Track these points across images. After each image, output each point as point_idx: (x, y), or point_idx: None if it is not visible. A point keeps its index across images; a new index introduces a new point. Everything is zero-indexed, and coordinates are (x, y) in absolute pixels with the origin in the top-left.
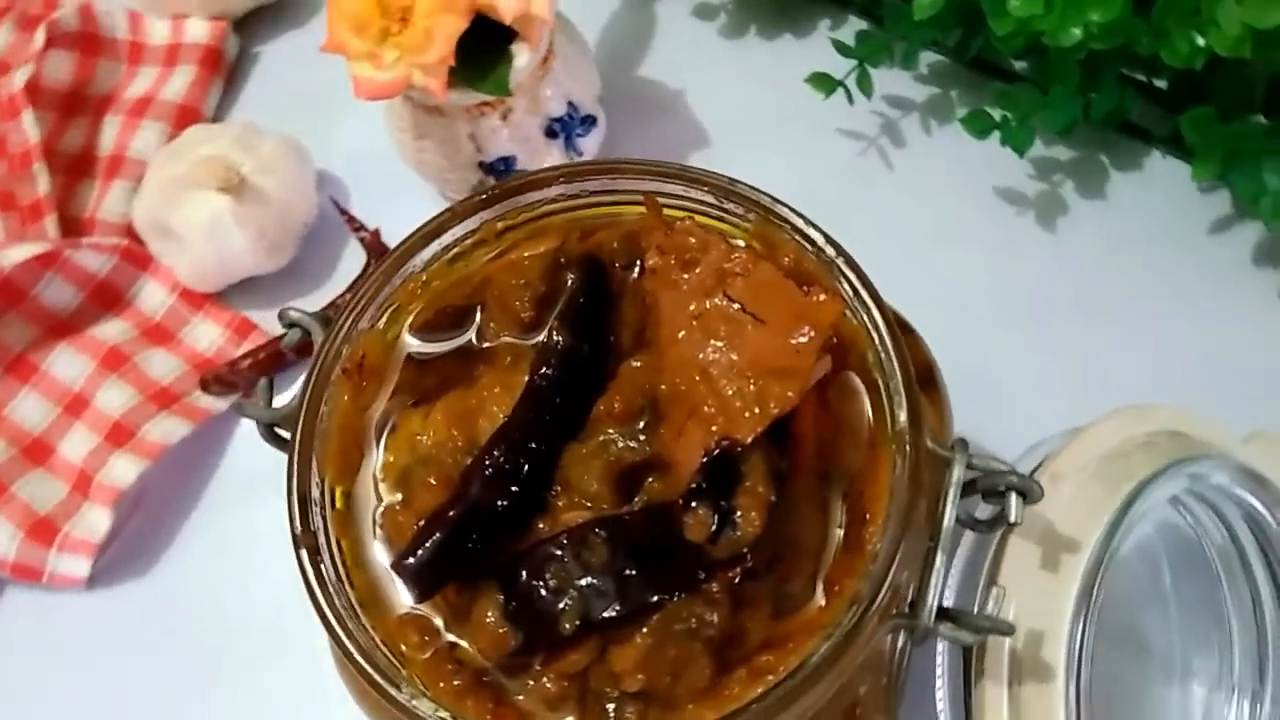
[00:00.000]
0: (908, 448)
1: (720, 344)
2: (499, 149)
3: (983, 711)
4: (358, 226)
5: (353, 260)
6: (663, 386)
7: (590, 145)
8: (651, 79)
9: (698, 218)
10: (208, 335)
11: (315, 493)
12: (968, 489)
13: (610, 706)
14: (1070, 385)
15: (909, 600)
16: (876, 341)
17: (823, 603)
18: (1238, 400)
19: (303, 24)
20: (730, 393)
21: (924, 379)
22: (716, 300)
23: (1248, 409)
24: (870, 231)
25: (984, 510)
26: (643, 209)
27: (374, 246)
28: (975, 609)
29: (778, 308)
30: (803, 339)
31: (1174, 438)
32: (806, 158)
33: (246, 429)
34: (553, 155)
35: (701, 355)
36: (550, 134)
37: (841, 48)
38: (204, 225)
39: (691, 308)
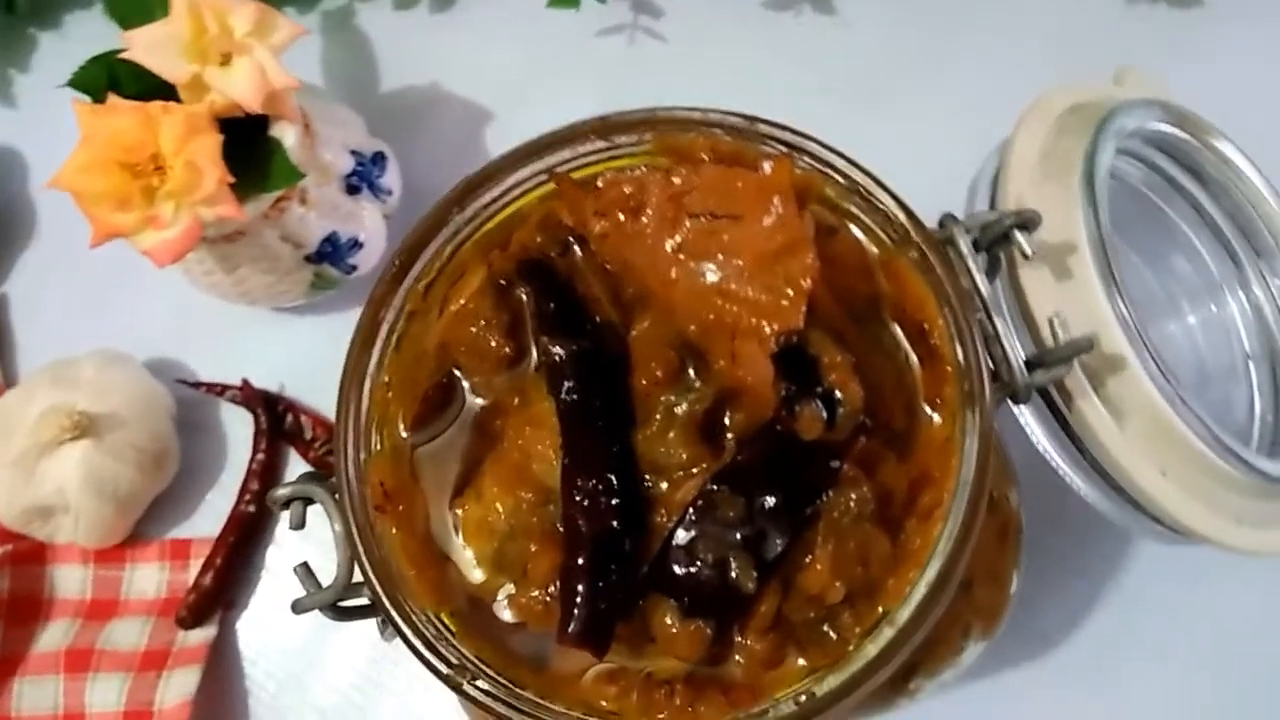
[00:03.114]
0: (922, 245)
1: (718, 258)
2: (316, 233)
3: (1089, 429)
4: (221, 390)
5: (239, 424)
6: (692, 327)
7: (393, 179)
8: (403, 86)
9: (609, 166)
10: (150, 578)
11: (429, 631)
12: None
13: (827, 627)
14: (938, 126)
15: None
16: (834, 173)
17: (937, 419)
18: (1086, 51)
19: (28, 236)
20: (758, 295)
21: None
22: (687, 224)
23: (1098, 55)
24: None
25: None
26: (536, 195)
27: (252, 398)
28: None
29: (741, 197)
30: (778, 209)
31: (1075, 112)
32: (590, 74)
33: (248, 625)
34: (367, 209)
35: (707, 279)
36: (352, 190)
37: None
38: (81, 483)
39: (668, 246)
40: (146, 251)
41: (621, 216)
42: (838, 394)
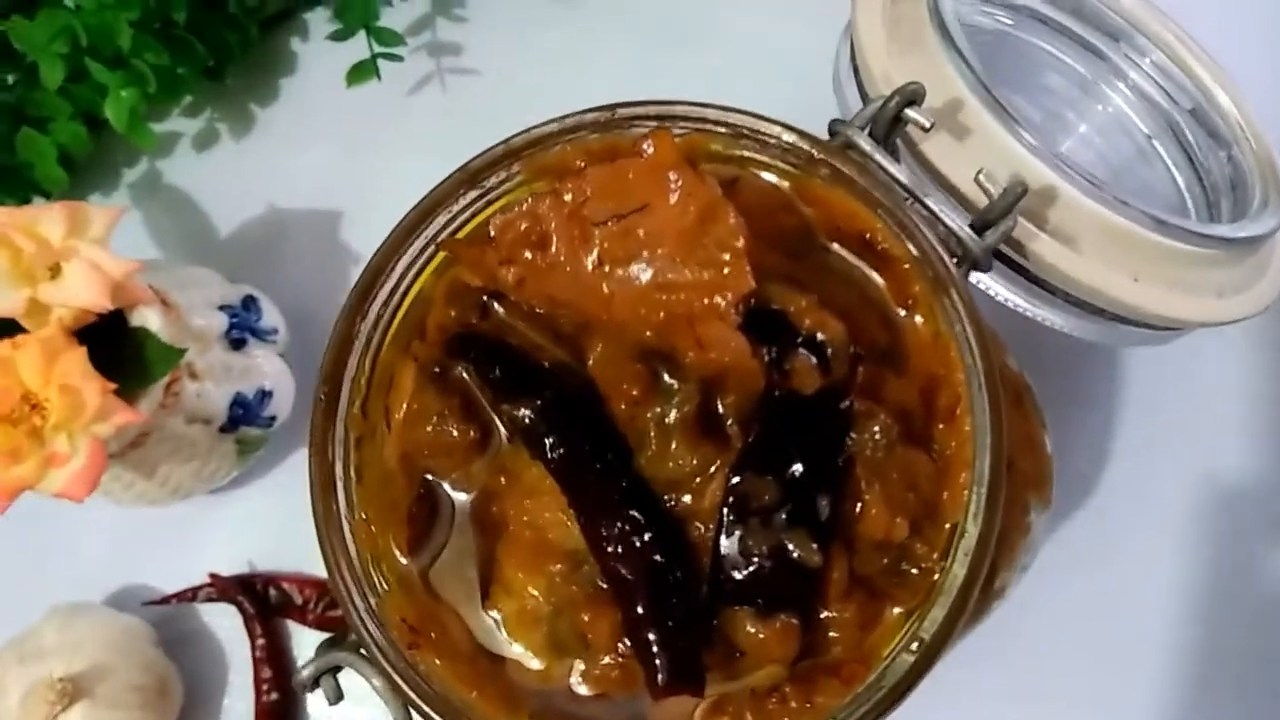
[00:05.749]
0: (828, 160)
1: (643, 255)
2: (220, 402)
3: (1052, 267)
4: (192, 595)
5: (225, 620)
6: (647, 333)
7: (273, 317)
8: (241, 223)
9: (493, 211)
10: None
11: None
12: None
13: (904, 566)
14: (779, 31)
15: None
16: (712, 126)
17: (918, 319)
18: None
19: None
20: (698, 274)
21: None
22: (597, 235)
23: None
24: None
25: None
26: (431, 271)
27: (227, 588)
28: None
29: (637, 186)
30: (678, 183)
31: None
32: (419, 136)
33: None
34: (261, 356)
35: (641, 280)
36: (238, 344)
37: (336, 35)
38: None
39: (589, 263)
40: (60, 493)
41: (529, 255)
42: (819, 336)
